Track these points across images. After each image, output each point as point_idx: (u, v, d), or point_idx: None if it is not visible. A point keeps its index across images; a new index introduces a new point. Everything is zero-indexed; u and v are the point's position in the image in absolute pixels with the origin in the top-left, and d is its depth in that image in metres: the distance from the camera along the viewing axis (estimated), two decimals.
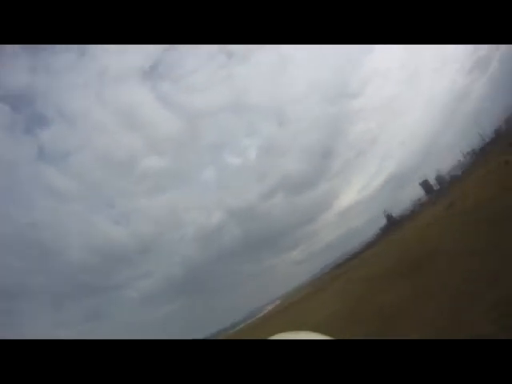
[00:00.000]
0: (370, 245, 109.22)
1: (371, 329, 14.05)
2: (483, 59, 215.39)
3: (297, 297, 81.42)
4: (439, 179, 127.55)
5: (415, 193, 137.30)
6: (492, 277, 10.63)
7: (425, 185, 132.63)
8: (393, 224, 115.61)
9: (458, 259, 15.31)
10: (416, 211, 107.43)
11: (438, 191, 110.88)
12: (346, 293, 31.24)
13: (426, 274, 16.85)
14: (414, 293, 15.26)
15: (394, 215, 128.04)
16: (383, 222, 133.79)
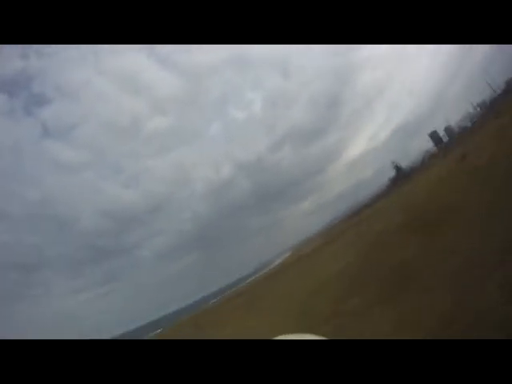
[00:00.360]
0: (380, 196, 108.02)
1: (383, 287, 14.27)
2: None
3: (307, 248, 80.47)
4: (448, 131, 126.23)
5: (424, 144, 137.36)
6: (508, 239, 10.24)
7: (434, 136, 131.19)
8: (402, 176, 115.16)
9: (472, 218, 14.89)
10: (426, 163, 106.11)
11: (448, 143, 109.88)
12: (356, 247, 30.97)
13: (439, 232, 16.40)
14: (426, 252, 15.07)
15: (403, 167, 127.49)
16: (393, 173, 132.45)
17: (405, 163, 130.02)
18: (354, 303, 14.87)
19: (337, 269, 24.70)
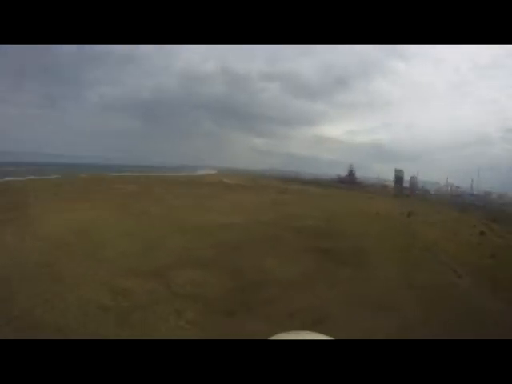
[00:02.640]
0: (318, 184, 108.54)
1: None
2: None
3: (229, 180, 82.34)
4: (413, 180, 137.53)
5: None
6: None
7: (399, 175, 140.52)
8: (348, 182, 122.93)
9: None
10: (375, 188, 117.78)
11: (405, 189, 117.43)
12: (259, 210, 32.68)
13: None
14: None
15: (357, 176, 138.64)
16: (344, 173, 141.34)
17: (360, 173, 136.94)
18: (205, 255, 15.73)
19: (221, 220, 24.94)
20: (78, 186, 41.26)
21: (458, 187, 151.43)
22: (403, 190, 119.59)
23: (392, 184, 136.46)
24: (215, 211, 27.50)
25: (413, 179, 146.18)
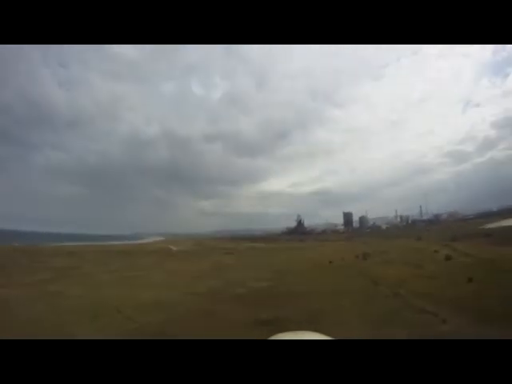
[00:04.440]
0: (266, 240, 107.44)
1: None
2: None
3: (177, 246, 76.99)
4: (363, 220, 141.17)
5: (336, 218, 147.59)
6: None
7: (347, 216, 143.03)
8: (299, 232, 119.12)
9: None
10: (326, 235, 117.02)
11: (355, 230, 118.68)
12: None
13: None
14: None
15: (305, 225, 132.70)
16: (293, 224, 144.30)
17: (309, 222, 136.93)
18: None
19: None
20: None
21: (407, 216, 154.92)
22: (354, 231, 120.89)
23: (342, 227, 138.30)
24: (147, 286, 23.63)
25: (362, 218, 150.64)
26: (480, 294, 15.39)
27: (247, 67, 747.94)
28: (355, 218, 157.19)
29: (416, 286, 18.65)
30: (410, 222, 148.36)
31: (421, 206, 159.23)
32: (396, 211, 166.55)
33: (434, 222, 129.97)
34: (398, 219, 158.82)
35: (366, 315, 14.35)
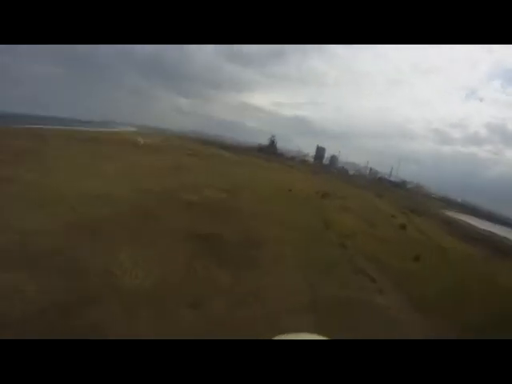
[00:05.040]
0: (236, 149, 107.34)
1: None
2: None
3: (147, 140, 72.84)
4: (333, 159, 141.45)
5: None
6: None
7: (320, 151, 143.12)
8: (269, 151, 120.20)
9: None
10: (294, 161, 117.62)
11: (324, 167, 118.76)
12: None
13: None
14: None
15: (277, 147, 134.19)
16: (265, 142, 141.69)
17: (282, 145, 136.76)
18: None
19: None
20: None
21: (376, 171, 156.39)
22: (322, 167, 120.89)
23: (312, 160, 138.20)
24: (99, 177, 21.97)
25: (333, 158, 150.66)
26: (423, 276, 15.19)
27: None
28: (327, 156, 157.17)
29: (364, 244, 18.24)
30: (377, 177, 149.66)
31: (392, 168, 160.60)
32: (367, 162, 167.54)
33: (400, 186, 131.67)
34: (367, 171, 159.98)
35: (304, 256, 13.90)
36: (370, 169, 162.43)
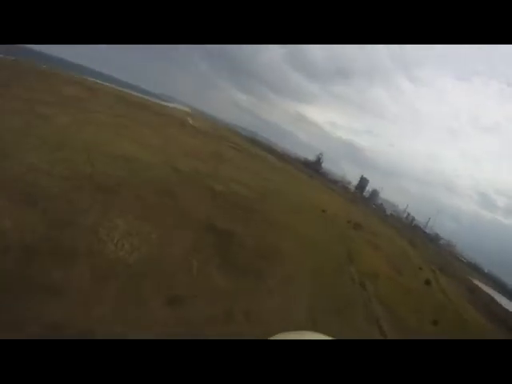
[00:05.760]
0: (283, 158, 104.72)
1: None
2: None
3: (196, 123, 70.96)
4: (375, 193, 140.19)
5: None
6: None
7: (363, 181, 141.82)
8: (313, 167, 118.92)
9: None
10: (335, 185, 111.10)
11: (364, 199, 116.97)
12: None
13: None
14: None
15: (323, 166, 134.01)
16: (312, 158, 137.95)
17: (327, 165, 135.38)
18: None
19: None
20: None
21: (413, 218, 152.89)
22: (361, 199, 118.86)
23: (353, 188, 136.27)
24: (136, 142, 21.24)
25: (374, 192, 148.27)
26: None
27: None
28: (368, 188, 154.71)
29: (385, 290, 17.01)
30: (412, 224, 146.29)
31: (429, 218, 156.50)
32: (407, 206, 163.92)
33: (432, 239, 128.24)
34: (405, 215, 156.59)
35: (317, 285, 12.73)
36: (408, 213, 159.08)
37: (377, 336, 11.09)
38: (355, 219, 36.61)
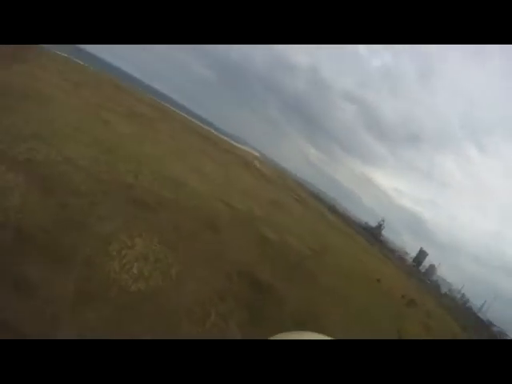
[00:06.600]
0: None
1: None
2: None
3: (267, 172, 66.15)
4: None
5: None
6: None
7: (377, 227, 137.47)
8: (371, 232, 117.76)
9: None
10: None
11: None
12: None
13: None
14: None
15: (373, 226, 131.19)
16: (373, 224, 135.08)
17: (386, 233, 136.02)
18: None
19: None
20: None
21: (468, 299, 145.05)
22: (417, 273, 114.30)
23: (410, 260, 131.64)
24: (190, 169, 21.10)
25: (431, 267, 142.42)
26: None
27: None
28: (426, 263, 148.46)
29: None
30: (466, 305, 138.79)
31: (485, 301, 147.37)
32: (463, 286, 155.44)
33: (485, 326, 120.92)
34: (459, 295, 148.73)
35: None
36: (463, 294, 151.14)
37: None
38: (410, 294, 34.79)
